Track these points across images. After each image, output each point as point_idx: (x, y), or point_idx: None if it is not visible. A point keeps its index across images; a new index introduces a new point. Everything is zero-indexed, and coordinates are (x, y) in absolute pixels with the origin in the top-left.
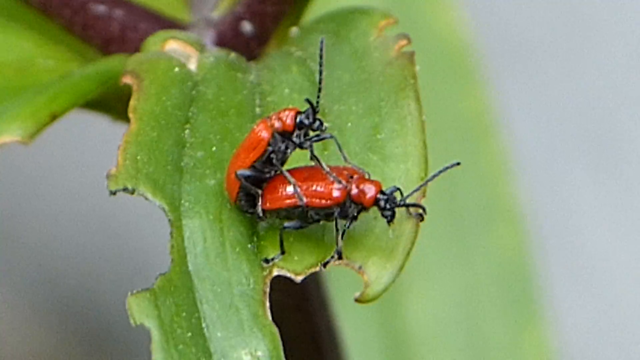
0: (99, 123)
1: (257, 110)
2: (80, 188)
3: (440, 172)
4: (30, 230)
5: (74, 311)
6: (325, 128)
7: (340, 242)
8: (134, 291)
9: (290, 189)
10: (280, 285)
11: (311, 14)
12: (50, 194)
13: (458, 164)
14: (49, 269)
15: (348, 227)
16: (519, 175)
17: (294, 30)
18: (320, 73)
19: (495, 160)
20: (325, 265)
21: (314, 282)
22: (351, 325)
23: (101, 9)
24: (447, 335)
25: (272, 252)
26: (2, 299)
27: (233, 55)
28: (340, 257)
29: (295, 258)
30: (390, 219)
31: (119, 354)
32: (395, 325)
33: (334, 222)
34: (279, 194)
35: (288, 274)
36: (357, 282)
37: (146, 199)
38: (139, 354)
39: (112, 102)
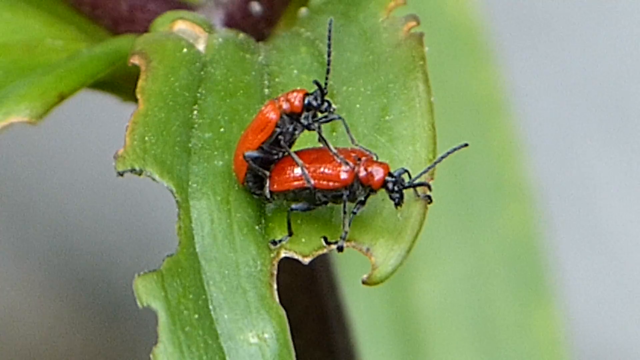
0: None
1: (266, 91)
2: (94, 164)
3: (448, 153)
4: (44, 205)
5: (88, 284)
6: (334, 110)
7: (347, 227)
8: (141, 273)
9: (298, 171)
10: (288, 266)
11: None
12: (64, 169)
13: (466, 145)
14: (63, 242)
15: (356, 213)
16: (530, 153)
17: (303, 10)
18: (329, 54)
19: (506, 138)
20: (330, 244)
21: (322, 263)
22: (360, 306)
23: None
24: (456, 315)
25: (280, 234)
26: (17, 272)
27: (242, 35)
28: (341, 246)
29: (303, 240)
30: (398, 202)
31: (134, 327)
32: (404, 306)
33: (342, 205)
34: (287, 175)
35: (295, 256)
36: (365, 263)
37: (153, 180)
38: (154, 328)
39: (121, 82)
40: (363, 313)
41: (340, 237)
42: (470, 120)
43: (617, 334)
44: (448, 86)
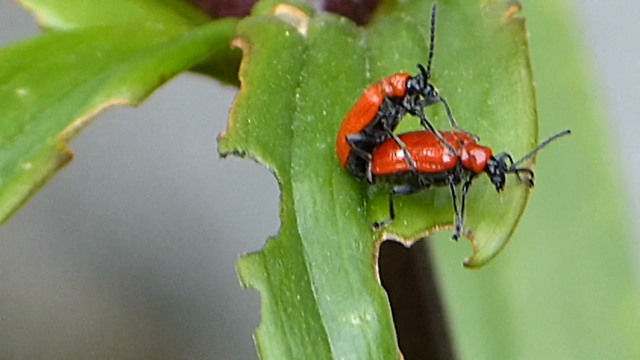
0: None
1: (367, 74)
2: (147, 159)
3: (551, 139)
4: (93, 202)
5: (137, 281)
6: (436, 94)
7: (461, 211)
8: (244, 254)
9: (400, 154)
10: (385, 250)
11: None
12: (116, 164)
13: (568, 132)
14: (112, 240)
15: (465, 197)
16: (619, 143)
17: None
18: (432, 39)
19: (595, 128)
20: (435, 228)
21: (419, 247)
22: (453, 290)
23: None
24: (545, 304)
25: (382, 216)
26: (66, 268)
27: (343, 20)
28: (458, 227)
29: (405, 222)
30: (499, 185)
31: (182, 323)
32: (495, 293)
33: (451, 190)
34: (389, 158)
35: (397, 238)
36: (461, 248)
37: (256, 161)
38: (201, 322)
39: (221, 66)
40: (457, 298)
41: (456, 222)
42: (560, 109)
43: None
44: (539, 75)
